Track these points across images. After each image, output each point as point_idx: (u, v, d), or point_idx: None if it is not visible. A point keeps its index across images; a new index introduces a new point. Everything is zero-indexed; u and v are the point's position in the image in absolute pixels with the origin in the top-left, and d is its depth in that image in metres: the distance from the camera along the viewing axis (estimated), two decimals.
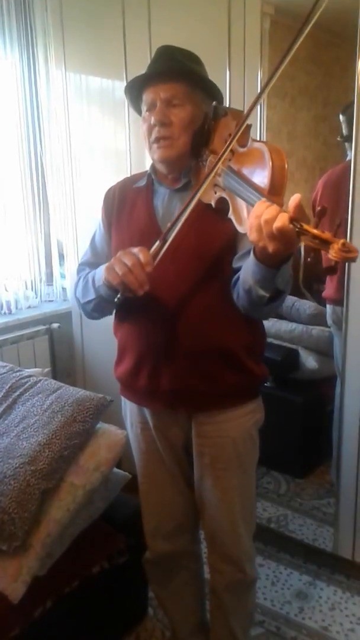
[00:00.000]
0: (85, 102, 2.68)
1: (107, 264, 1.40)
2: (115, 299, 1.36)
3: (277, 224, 1.06)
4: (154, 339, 1.53)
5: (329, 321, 2.67)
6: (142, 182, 1.60)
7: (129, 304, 1.43)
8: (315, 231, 1.02)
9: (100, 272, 1.47)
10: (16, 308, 2.94)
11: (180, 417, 1.62)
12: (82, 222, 2.83)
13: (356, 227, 2.00)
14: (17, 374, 2.08)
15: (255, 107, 1.30)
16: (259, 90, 2.10)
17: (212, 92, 1.50)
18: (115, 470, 1.87)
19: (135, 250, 1.33)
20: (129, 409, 1.72)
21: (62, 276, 3.13)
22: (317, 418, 2.88)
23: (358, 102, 1.93)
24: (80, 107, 2.70)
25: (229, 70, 2.12)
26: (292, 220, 1.05)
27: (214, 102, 1.49)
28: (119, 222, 1.62)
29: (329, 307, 2.65)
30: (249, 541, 1.72)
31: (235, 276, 1.44)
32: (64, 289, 3.13)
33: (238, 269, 1.43)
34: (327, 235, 1.00)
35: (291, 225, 1.04)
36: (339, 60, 3.15)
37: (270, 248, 1.12)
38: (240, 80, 2.12)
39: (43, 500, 1.65)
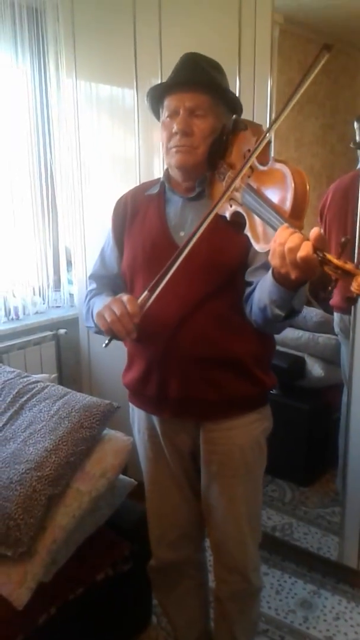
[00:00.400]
0: (95, 110, 2.70)
1: (98, 309, 1.43)
2: (104, 345, 1.41)
3: (301, 253, 1.07)
4: (163, 348, 1.53)
5: (336, 329, 2.66)
6: (155, 190, 1.60)
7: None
8: (338, 262, 1.03)
9: (99, 306, 1.50)
10: (23, 314, 2.95)
11: (188, 425, 1.62)
12: (90, 229, 2.84)
13: None
14: (25, 379, 2.09)
15: (276, 125, 1.30)
16: (268, 99, 2.11)
17: (233, 104, 1.50)
18: (121, 476, 1.88)
19: (125, 299, 1.37)
20: (136, 415, 1.72)
21: (70, 282, 3.15)
22: (323, 426, 2.88)
23: None
24: (90, 114, 2.72)
25: (239, 78, 2.13)
26: (315, 249, 1.05)
27: (234, 116, 1.50)
28: (131, 231, 1.62)
29: (336, 315, 2.65)
30: (255, 550, 1.72)
31: (248, 290, 1.44)
32: (71, 295, 3.15)
33: (250, 283, 1.44)
34: (349, 266, 1.01)
35: (314, 255, 1.05)
36: (347, 69, 3.16)
37: (293, 275, 1.12)
38: (250, 88, 2.13)
39: (49, 506, 1.66)
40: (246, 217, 1.33)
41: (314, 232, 1.07)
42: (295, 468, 2.91)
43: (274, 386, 1.64)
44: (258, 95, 2.13)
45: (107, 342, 1.42)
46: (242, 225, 1.34)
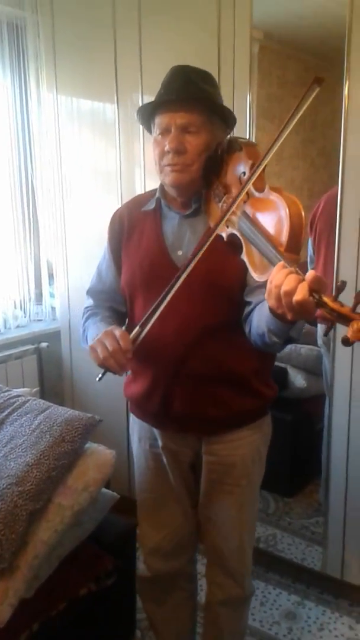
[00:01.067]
0: (77, 124, 2.71)
1: (90, 343, 1.43)
2: (97, 378, 1.43)
3: (297, 297, 1.04)
4: (165, 366, 1.53)
5: (319, 341, 2.68)
6: (151, 206, 1.59)
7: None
8: (334, 305, 1.00)
9: (91, 335, 1.52)
10: (5, 327, 2.94)
11: (190, 439, 1.63)
12: (72, 242, 2.85)
13: (343, 258, 2.03)
14: (6, 393, 2.08)
15: (271, 152, 1.28)
16: (247, 114, 2.15)
17: (226, 117, 1.48)
18: (104, 490, 1.87)
19: (117, 334, 1.39)
20: (138, 424, 1.72)
21: (52, 296, 3.14)
22: (306, 437, 2.89)
23: (345, 126, 1.97)
24: (71, 129, 2.73)
25: None
26: (311, 291, 1.03)
27: (229, 136, 1.49)
28: (128, 248, 1.61)
29: (320, 327, 2.67)
30: (250, 556, 1.74)
31: (247, 310, 1.45)
32: (53, 309, 3.14)
33: (250, 302, 1.44)
34: (346, 310, 0.99)
35: (310, 298, 1.03)
36: (327, 85, 3.19)
37: (289, 317, 1.11)
38: (230, 103, 2.15)
39: (30, 522, 1.64)
40: (242, 243, 1.32)
41: (310, 274, 1.04)
42: (278, 479, 2.91)
43: (276, 395, 1.65)
44: (237, 110, 2.14)
45: (100, 375, 1.43)
46: (239, 246, 1.33)
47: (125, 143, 2.52)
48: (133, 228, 1.61)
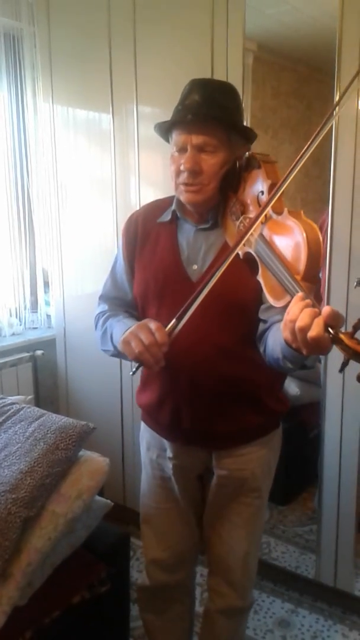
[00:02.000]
0: (72, 134, 2.73)
1: (123, 336, 1.39)
2: (131, 373, 1.41)
3: (312, 333, 1.02)
4: (176, 380, 1.51)
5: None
6: (166, 218, 1.56)
7: None
8: (350, 342, 0.97)
9: (119, 330, 1.47)
10: (0, 335, 2.94)
11: (200, 452, 1.61)
12: (67, 251, 2.87)
13: (333, 284, 2.05)
14: (0, 401, 2.08)
15: (291, 175, 1.25)
16: None
17: (246, 134, 1.45)
18: (97, 498, 1.87)
19: (153, 326, 1.34)
20: (148, 432, 1.71)
21: (47, 303, 3.15)
22: (299, 445, 2.89)
23: (335, 136, 1.99)
24: (67, 138, 2.76)
25: None
26: (327, 327, 1.00)
27: (247, 153, 1.45)
28: (141, 259, 1.58)
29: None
30: (255, 567, 1.72)
31: (262, 327, 1.42)
32: (48, 316, 3.15)
33: (265, 320, 1.42)
34: None
35: (326, 334, 1.01)
36: (320, 95, 3.24)
37: (304, 352, 1.08)
38: None
39: (24, 529, 1.64)
40: (259, 265, 1.30)
41: (326, 310, 1.01)
42: (272, 487, 2.91)
43: (287, 409, 1.63)
44: None
45: (134, 369, 1.40)
46: (255, 267, 1.31)
47: (121, 152, 2.54)
48: (147, 237, 1.58)
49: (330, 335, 1.00)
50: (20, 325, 3.07)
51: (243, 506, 1.62)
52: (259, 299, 1.42)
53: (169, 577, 1.75)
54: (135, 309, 1.66)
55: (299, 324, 1.04)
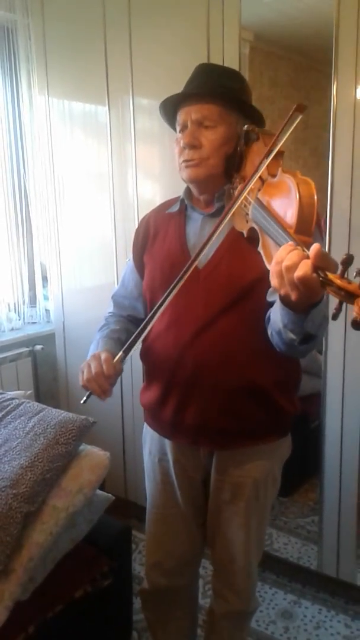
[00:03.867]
0: (69, 127, 2.72)
1: (82, 364, 1.44)
2: (82, 401, 1.42)
3: (299, 272, 0.95)
4: (181, 371, 1.47)
5: None
6: (175, 208, 1.56)
7: (156, 336, 1.45)
8: (341, 282, 0.90)
9: (93, 349, 1.53)
10: None
11: (202, 452, 1.57)
12: (65, 244, 2.85)
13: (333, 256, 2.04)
14: (0, 396, 2.08)
15: (284, 136, 1.24)
16: None
17: (249, 112, 1.43)
18: (99, 492, 1.87)
19: (102, 357, 1.39)
20: (150, 436, 1.68)
21: (46, 298, 3.15)
22: (301, 436, 2.88)
23: (333, 126, 1.98)
24: (63, 131, 2.74)
25: None
26: (315, 268, 0.94)
27: (245, 126, 1.41)
28: (151, 252, 1.58)
29: None
30: (256, 572, 1.70)
31: (269, 311, 1.35)
32: (47, 311, 3.15)
33: (272, 303, 1.33)
34: (354, 286, 0.88)
35: (314, 275, 0.94)
36: (319, 85, 3.22)
37: (293, 296, 1.01)
38: None
39: (25, 524, 1.64)
40: (259, 234, 1.25)
41: (314, 248, 0.94)
42: None
43: (297, 412, 1.56)
44: None
45: (85, 398, 1.42)
46: (258, 241, 1.26)
47: (117, 144, 2.53)
48: (157, 231, 1.58)
49: (320, 278, 0.93)
50: (19, 320, 3.07)
51: (243, 517, 1.58)
52: (266, 280, 1.35)
53: (170, 581, 1.72)
54: (140, 312, 1.67)
55: (286, 263, 0.99)
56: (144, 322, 1.41)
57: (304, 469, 2.91)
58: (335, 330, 2.09)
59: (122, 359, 1.41)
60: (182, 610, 1.81)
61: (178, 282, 1.34)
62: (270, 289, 1.36)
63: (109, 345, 1.54)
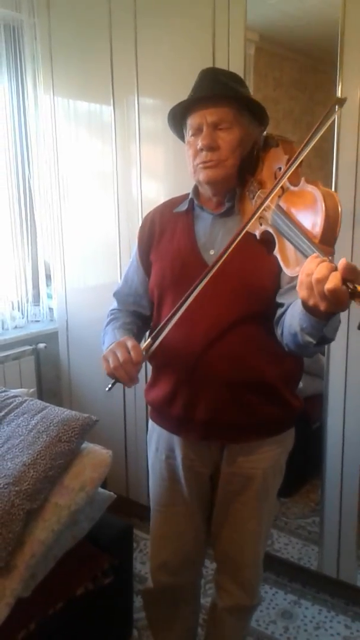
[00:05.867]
0: (73, 126, 2.72)
1: (104, 353, 1.43)
2: (107, 388, 1.41)
3: (329, 285, 0.99)
4: (191, 369, 1.48)
5: None
6: (183, 207, 1.57)
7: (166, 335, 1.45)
8: None
9: (107, 342, 1.52)
10: (2, 328, 2.96)
11: (212, 448, 1.59)
12: (69, 243, 2.86)
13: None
14: (3, 394, 2.09)
15: (308, 147, 1.27)
16: None
17: (259, 114, 1.46)
18: (100, 490, 1.88)
19: (129, 344, 1.38)
20: (156, 433, 1.68)
21: (49, 296, 3.15)
22: (303, 437, 2.89)
23: (338, 127, 1.98)
24: (68, 130, 2.75)
25: None
26: (344, 281, 0.98)
27: (265, 132, 1.47)
28: (158, 250, 1.58)
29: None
30: (261, 566, 1.71)
31: (279, 312, 1.40)
32: (50, 309, 3.15)
33: (282, 304, 1.39)
34: None
35: (344, 287, 0.98)
36: (323, 86, 3.22)
37: (322, 307, 1.05)
38: None
39: (27, 521, 1.65)
40: (276, 238, 1.29)
41: (342, 262, 0.99)
42: None
43: (302, 408, 1.60)
44: None
45: (110, 385, 1.42)
46: (273, 244, 1.30)
47: (122, 144, 2.54)
48: (164, 229, 1.59)
49: (350, 289, 0.97)
50: (23, 318, 3.08)
51: (253, 508, 1.60)
52: (277, 282, 1.42)
53: (175, 579, 1.73)
54: (145, 308, 1.68)
55: (316, 276, 1.02)
56: (164, 321, 1.42)
57: (305, 469, 2.91)
58: (338, 332, 2.09)
59: (151, 346, 1.42)
60: (187, 608, 1.82)
61: (197, 287, 1.36)
62: (281, 291, 1.41)
63: (128, 335, 1.54)
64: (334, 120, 1.96)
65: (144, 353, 1.41)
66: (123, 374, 1.37)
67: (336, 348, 2.12)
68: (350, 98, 1.93)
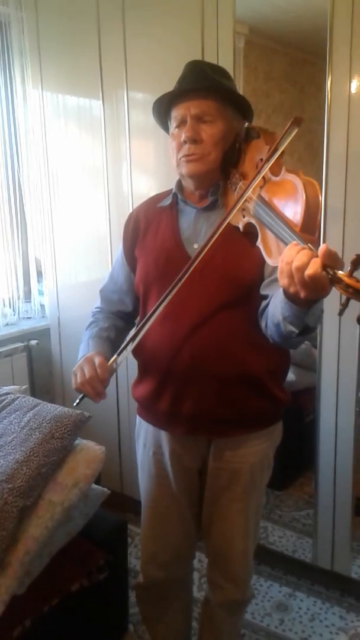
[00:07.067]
0: (63, 121, 2.71)
1: (74, 367, 1.47)
2: (75, 403, 1.45)
3: (309, 271, 1.00)
4: (177, 362, 1.49)
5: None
6: (167, 202, 1.57)
7: (150, 329, 1.45)
8: (349, 280, 0.95)
9: (83, 348, 1.56)
10: None
11: (199, 442, 1.59)
12: (60, 239, 2.85)
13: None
14: None
15: (289, 137, 1.26)
16: None
17: (242, 107, 1.46)
18: (94, 486, 1.88)
19: (97, 361, 1.42)
20: (144, 429, 1.69)
21: (41, 293, 3.14)
22: (296, 430, 2.90)
23: (328, 119, 1.98)
24: (57, 125, 2.73)
25: None
26: (324, 267, 0.99)
27: (246, 124, 1.47)
28: (143, 245, 1.58)
29: None
30: (252, 560, 1.71)
31: (264, 304, 1.40)
32: (42, 306, 3.14)
33: (266, 296, 1.39)
34: None
35: (324, 273, 0.99)
36: (313, 79, 3.21)
37: (302, 294, 1.05)
38: None
39: (21, 518, 1.65)
40: (258, 229, 1.29)
41: (322, 248, 0.99)
42: None
43: (289, 401, 1.60)
44: None
45: (77, 400, 1.45)
46: (256, 236, 1.30)
47: (112, 139, 2.52)
48: (149, 225, 1.59)
49: (329, 275, 0.98)
50: (14, 315, 3.06)
51: (241, 502, 1.60)
52: (261, 274, 1.42)
53: (165, 573, 1.73)
54: (128, 306, 1.69)
55: (296, 263, 1.03)
56: (139, 326, 1.44)
57: (298, 462, 2.92)
58: (330, 325, 2.10)
59: (116, 362, 1.45)
60: (178, 602, 1.82)
61: (178, 282, 1.36)
62: (265, 282, 1.41)
63: (99, 346, 1.56)
64: (322, 112, 1.98)
65: (114, 365, 1.45)
66: (89, 390, 1.41)
67: (328, 341, 2.13)
68: (339, 89, 1.93)
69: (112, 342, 1.60)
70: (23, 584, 1.66)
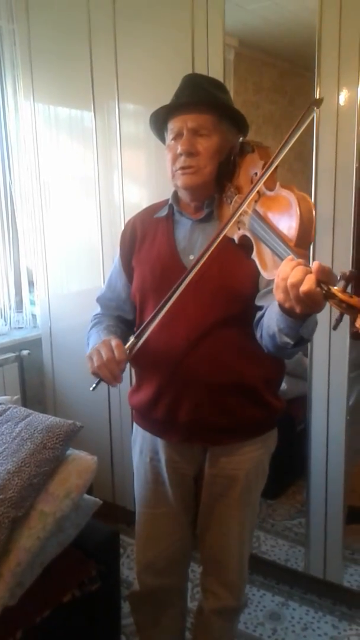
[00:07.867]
0: (54, 131, 2.72)
1: (88, 352, 1.45)
2: (91, 388, 1.43)
3: (304, 287, 1.03)
4: (173, 372, 1.51)
5: None
6: (163, 213, 1.59)
7: (148, 338, 1.45)
8: (343, 296, 0.98)
9: (92, 343, 1.53)
10: None
11: (195, 450, 1.60)
12: (51, 249, 2.85)
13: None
14: None
15: (283, 152, 1.29)
16: None
17: (238, 121, 1.48)
18: (86, 496, 1.87)
19: (113, 344, 1.40)
20: (140, 436, 1.70)
21: (32, 303, 3.14)
22: (287, 439, 2.90)
23: (317, 130, 2.00)
24: (49, 136, 2.74)
25: None
26: (319, 283, 1.01)
27: (241, 138, 1.49)
28: (140, 255, 1.60)
29: None
30: (247, 566, 1.72)
31: (259, 314, 1.42)
32: (33, 316, 3.14)
33: (261, 307, 1.41)
34: (355, 300, 0.97)
35: (318, 289, 1.02)
36: (302, 90, 3.25)
37: (297, 309, 1.09)
38: None
39: (13, 529, 1.64)
40: (253, 242, 1.32)
41: (316, 265, 1.02)
42: None
43: (284, 409, 1.62)
44: None
45: (94, 385, 1.43)
46: (251, 248, 1.33)
47: (103, 149, 2.54)
48: (145, 235, 1.60)
49: (323, 291, 1.01)
50: (6, 325, 3.06)
51: (236, 509, 1.61)
52: (256, 285, 1.44)
53: (161, 581, 1.73)
54: (128, 313, 1.69)
55: (291, 280, 1.05)
56: (138, 332, 1.44)
57: (290, 471, 2.92)
58: (320, 334, 2.11)
59: (134, 345, 1.44)
60: (173, 609, 1.82)
61: (175, 292, 1.38)
62: (260, 293, 1.43)
63: (112, 334, 1.55)
64: (311, 124, 2.00)
65: (127, 352, 1.43)
66: (106, 373, 1.39)
67: (318, 350, 2.14)
68: (328, 101, 1.95)
69: (120, 338, 1.58)
70: (15, 595, 1.65)
